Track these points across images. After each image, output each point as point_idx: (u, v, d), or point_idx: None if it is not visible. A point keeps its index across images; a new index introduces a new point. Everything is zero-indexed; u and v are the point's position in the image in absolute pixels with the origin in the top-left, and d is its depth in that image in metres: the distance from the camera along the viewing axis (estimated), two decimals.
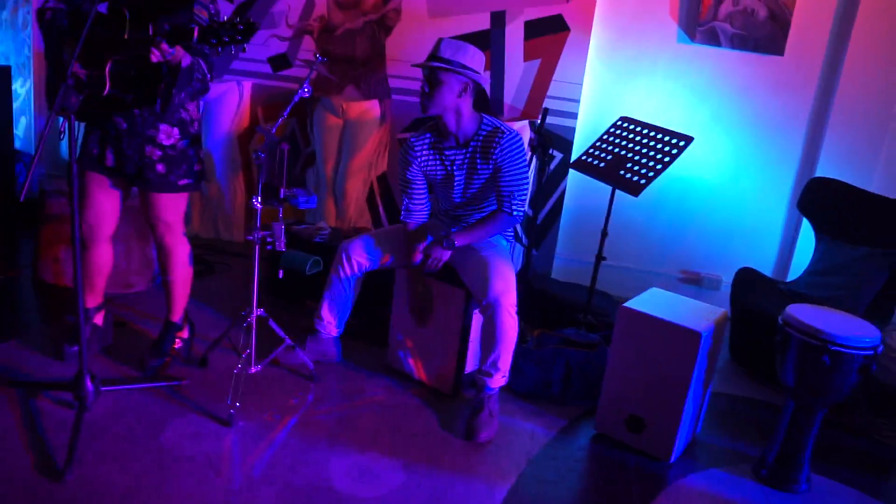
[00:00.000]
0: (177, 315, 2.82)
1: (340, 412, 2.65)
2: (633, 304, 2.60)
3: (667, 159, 3.05)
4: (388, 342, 3.02)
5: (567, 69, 3.85)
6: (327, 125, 4.03)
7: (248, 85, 4.15)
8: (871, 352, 2.33)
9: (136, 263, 3.46)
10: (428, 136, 2.76)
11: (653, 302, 2.65)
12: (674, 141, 3.10)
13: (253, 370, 2.65)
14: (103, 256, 2.72)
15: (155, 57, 2.17)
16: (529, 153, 3.08)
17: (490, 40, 3.88)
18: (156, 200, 2.58)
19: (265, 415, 2.55)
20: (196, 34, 2.12)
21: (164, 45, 2.15)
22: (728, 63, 3.80)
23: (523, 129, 3.81)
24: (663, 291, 2.79)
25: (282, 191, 2.53)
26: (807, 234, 3.83)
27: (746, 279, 3.52)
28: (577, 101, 3.88)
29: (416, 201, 2.82)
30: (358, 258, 2.84)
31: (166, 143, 2.51)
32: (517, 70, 3.90)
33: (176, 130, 2.53)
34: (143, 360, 2.75)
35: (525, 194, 2.70)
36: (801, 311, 2.47)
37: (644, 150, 3.17)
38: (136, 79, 2.34)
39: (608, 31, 3.85)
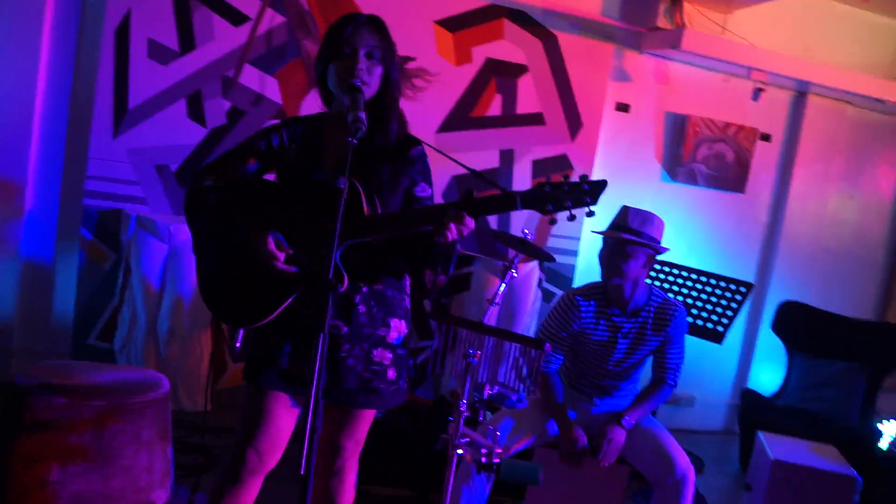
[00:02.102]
0: None
1: None
2: (780, 456, 2.90)
3: (734, 305, 3.45)
4: None
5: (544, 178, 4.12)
6: None
7: None
8: None
9: (159, 474, 2.82)
10: (594, 301, 2.79)
11: (786, 449, 2.98)
12: (733, 287, 3.52)
13: None
14: (253, 495, 2.21)
15: (451, 234, 1.89)
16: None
17: (499, 177, 4.00)
18: (365, 417, 2.18)
19: None
20: (520, 201, 1.81)
21: (469, 220, 1.84)
22: (702, 199, 4.41)
23: (533, 269, 3.94)
24: (776, 436, 3.14)
25: (495, 387, 2.35)
26: (763, 352, 4.57)
27: (753, 400, 4.07)
28: (578, 239, 4.16)
29: (557, 357, 2.80)
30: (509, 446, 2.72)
31: (394, 341, 2.15)
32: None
33: (403, 323, 2.18)
34: None
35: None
36: None
37: (703, 296, 3.55)
38: (367, 265, 2.02)
39: (604, 169, 4.21)
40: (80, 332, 3.63)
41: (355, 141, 1.76)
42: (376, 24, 1.96)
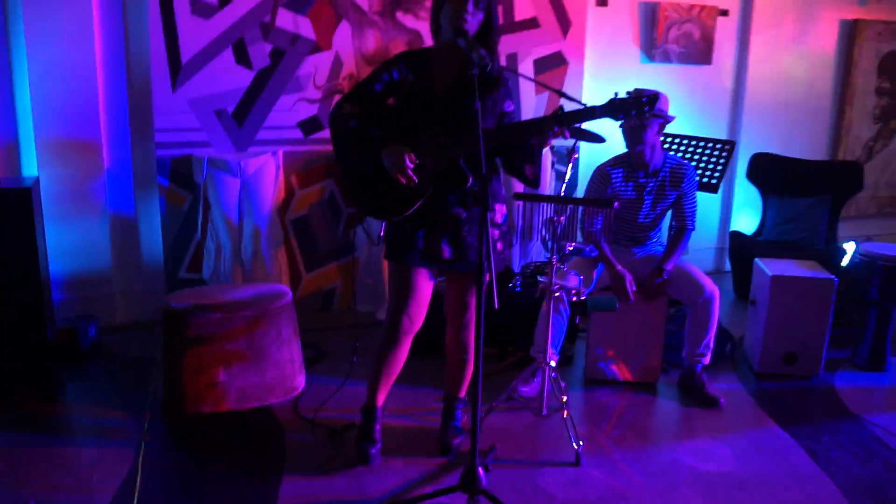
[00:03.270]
0: (465, 390, 3.14)
1: (619, 426, 3.35)
2: (777, 272, 3.79)
3: (722, 160, 4.27)
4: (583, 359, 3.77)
5: (569, 94, 4.81)
6: None
7: (280, 154, 4.29)
8: None
9: (297, 363, 3.51)
10: (621, 168, 3.57)
11: (779, 268, 3.87)
12: (719, 146, 4.34)
13: (545, 410, 3.23)
14: (406, 351, 2.95)
15: (551, 140, 2.59)
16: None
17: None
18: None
19: (594, 444, 3.17)
20: (599, 111, 2.50)
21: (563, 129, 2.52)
22: (677, 74, 5.16)
23: (546, 154, 4.69)
24: (770, 260, 4.02)
25: (575, 244, 3.11)
26: (741, 199, 5.46)
27: (740, 239, 4.98)
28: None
29: (599, 215, 3.58)
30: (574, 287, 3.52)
31: (500, 221, 2.85)
32: (531, 103, 4.75)
33: (504, 207, 2.89)
34: (446, 445, 3.03)
35: None
36: (880, 247, 3.93)
37: (695, 156, 4.36)
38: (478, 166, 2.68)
39: (592, 59, 4.91)
40: (170, 268, 4.24)
41: (477, 71, 2.44)
42: None
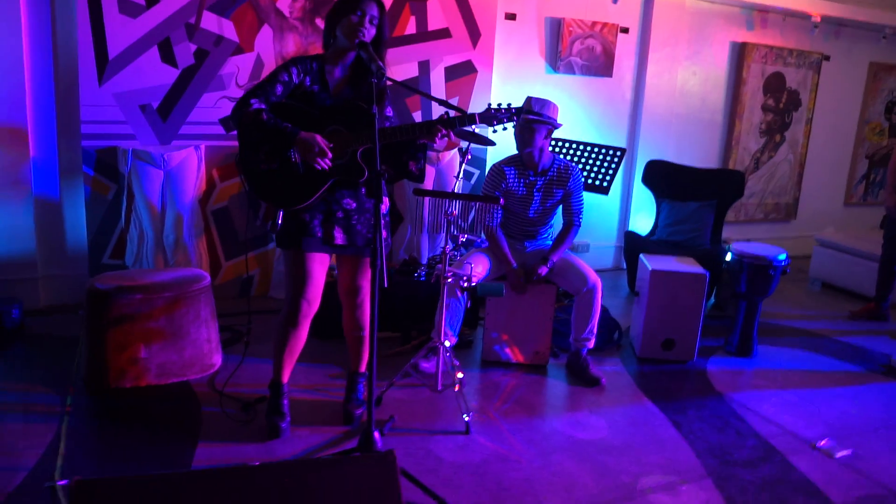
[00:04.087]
0: (364, 365, 3.51)
1: (508, 401, 3.77)
2: (656, 267, 4.27)
3: (614, 165, 4.75)
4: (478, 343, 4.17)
5: (478, 100, 5.24)
6: None
7: (203, 148, 4.57)
8: (787, 261, 4.42)
9: (214, 342, 3.82)
10: (514, 166, 4.00)
11: (659, 263, 4.35)
12: (611, 152, 4.81)
13: (440, 386, 3.62)
14: (306, 332, 3.25)
15: (437, 140, 2.97)
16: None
17: (419, 84, 5.05)
18: (369, 264, 3.10)
19: (484, 417, 3.57)
20: (478, 118, 2.94)
21: (448, 131, 2.94)
22: (580, 85, 5.64)
23: (454, 157, 5.09)
24: (653, 256, 4.51)
25: (466, 236, 3.51)
26: (638, 202, 5.97)
27: (634, 239, 5.48)
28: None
29: (498, 211, 4.00)
30: (475, 276, 3.92)
31: (384, 212, 3.21)
32: (442, 107, 5.13)
33: (387, 199, 3.26)
34: (348, 413, 3.40)
35: None
36: (747, 247, 4.45)
37: (589, 161, 4.82)
38: (372, 160, 2.84)
39: (501, 68, 5.34)
40: (94, 254, 4.47)
41: (376, 80, 2.81)
42: (379, 2, 2.96)
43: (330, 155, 2.92)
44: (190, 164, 4.50)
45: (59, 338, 4.13)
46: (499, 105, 3.04)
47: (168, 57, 4.39)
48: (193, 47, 4.44)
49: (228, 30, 4.50)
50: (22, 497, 2.68)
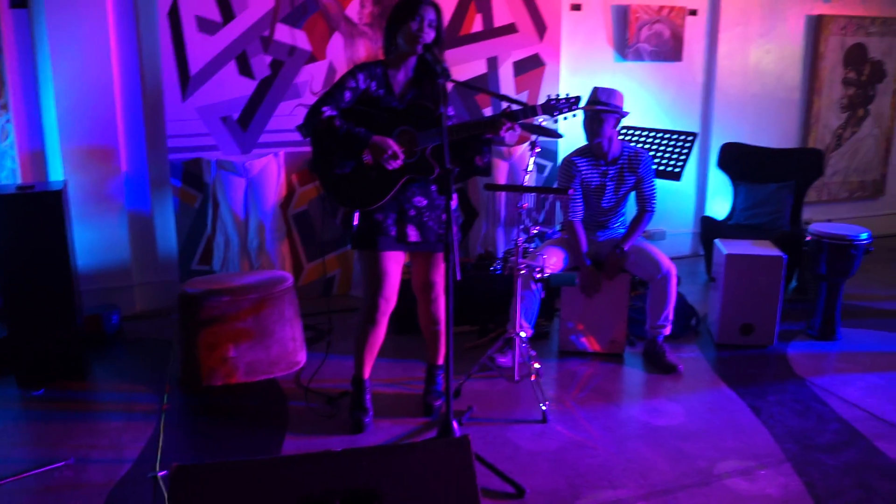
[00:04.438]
0: (442, 358, 3.62)
1: (585, 389, 3.82)
2: (731, 251, 4.24)
3: (686, 150, 4.72)
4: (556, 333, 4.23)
5: (547, 93, 5.27)
6: None
7: (282, 154, 4.78)
8: (869, 240, 4.31)
9: (299, 341, 3.99)
10: (585, 158, 4.04)
11: (735, 247, 4.32)
12: (682, 137, 4.79)
13: (517, 377, 3.70)
14: (384, 329, 3.36)
15: (504, 132, 3.05)
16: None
17: (488, 81, 5.14)
18: (442, 258, 3.26)
19: (560, 405, 3.64)
20: (539, 110, 3.04)
21: (510, 124, 3.02)
22: (649, 71, 5.61)
23: (525, 151, 5.15)
24: (728, 240, 4.47)
25: (539, 228, 3.59)
26: (714, 187, 5.90)
27: (710, 224, 5.43)
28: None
29: (577, 203, 4.05)
30: (549, 267, 3.98)
31: (454, 207, 3.31)
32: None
33: (457, 196, 3.37)
34: (428, 405, 3.53)
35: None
36: (827, 227, 4.37)
37: (660, 147, 4.81)
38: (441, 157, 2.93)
39: (568, 59, 5.37)
40: (183, 261, 4.75)
41: (443, 81, 2.91)
42: (435, 5, 3.07)
43: (402, 157, 3.05)
44: (270, 171, 4.71)
45: (154, 340, 4.42)
46: (558, 95, 3.11)
47: (245, 69, 4.62)
48: (269, 59, 4.65)
49: (301, 40, 4.69)
50: (127, 486, 2.93)
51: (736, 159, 5.60)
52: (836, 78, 6.25)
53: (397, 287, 3.32)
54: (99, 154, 4.49)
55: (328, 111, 3.08)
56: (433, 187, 3.23)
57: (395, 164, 3.04)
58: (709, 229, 5.39)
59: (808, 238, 4.42)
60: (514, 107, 3.04)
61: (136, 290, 4.78)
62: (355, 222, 3.22)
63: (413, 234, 3.20)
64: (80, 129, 4.41)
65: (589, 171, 4.05)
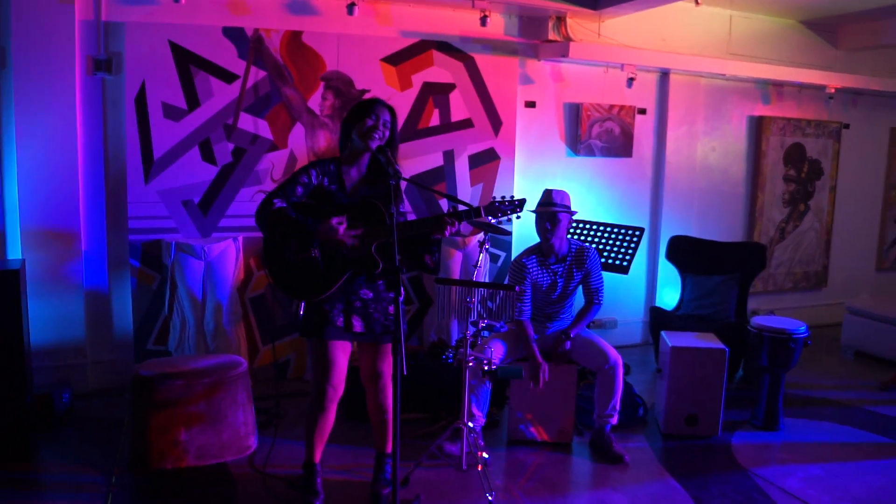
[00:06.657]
0: (390, 446, 3.69)
1: (532, 479, 3.91)
2: (676, 343, 4.42)
3: (633, 244, 4.95)
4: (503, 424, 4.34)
5: (501, 186, 5.52)
6: None
7: (241, 239, 4.91)
8: (807, 333, 4.53)
9: (251, 425, 4.03)
10: (534, 257, 4.23)
11: (679, 339, 4.51)
12: (630, 231, 5.02)
13: (465, 466, 3.78)
14: (333, 416, 3.44)
15: (449, 231, 3.21)
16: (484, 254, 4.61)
17: (444, 173, 5.36)
18: (389, 349, 3.38)
19: (507, 495, 3.72)
20: (483, 212, 3.20)
21: (457, 223, 3.20)
22: (600, 166, 5.90)
23: (476, 240, 5.34)
24: (673, 332, 4.67)
25: (487, 321, 3.74)
26: (664, 277, 6.15)
27: (659, 314, 5.64)
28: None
29: (526, 304, 4.22)
30: (494, 359, 4.13)
31: (400, 300, 3.45)
32: (466, 193, 5.44)
33: (402, 289, 3.50)
34: (376, 494, 3.56)
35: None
36: (766, 320, 4.59)
37: (608, 241, 5.04)
38: (390, 253, 3.08)
39: (522, 154, 5.64)
40: (139, 340, 4.79)
41: (394, 182, 3.09)
42: (390, 108, 3.29)
43: (346, 225, 3.16)
44: (229, 255, 4.82)
45: (105, 420, 4.41)
46: (503, 197, 3.29)
47: (208, 156, 4.77)
48: (231, 146, 4.82)
49: (263, 129, 4.88)
50: None
51: (683, 252, 5.86)
52: (777, 174, 6.62)
53: (344, 374, 3.41)
54: (59, 235, 4.56)
55: (279, 203, 3.23)
56: (381, 281, 3.36)
57: (342, 228, 3.16)
58: (658, 319, 5.59)
59: (751, 331, 4.63)
60: (461, 207, 3.22)
61: (89, 368, 4.78)
62: (301, 311, 3.34)
63: (358, 325, 3.32)
64: (41, 209, 4.49)
65: (539, 273, 4.23)
